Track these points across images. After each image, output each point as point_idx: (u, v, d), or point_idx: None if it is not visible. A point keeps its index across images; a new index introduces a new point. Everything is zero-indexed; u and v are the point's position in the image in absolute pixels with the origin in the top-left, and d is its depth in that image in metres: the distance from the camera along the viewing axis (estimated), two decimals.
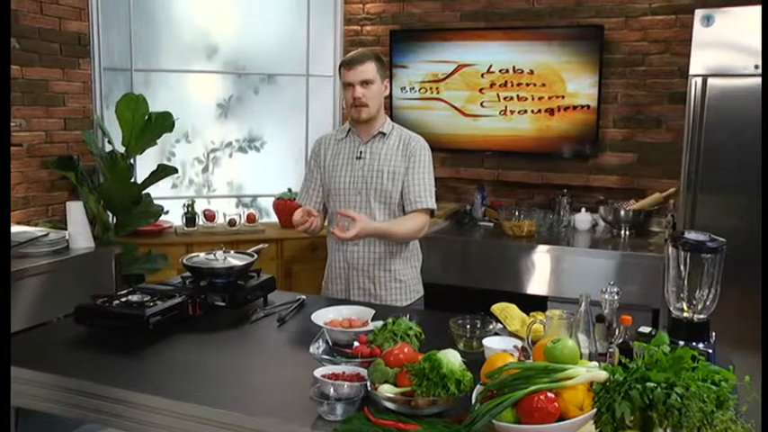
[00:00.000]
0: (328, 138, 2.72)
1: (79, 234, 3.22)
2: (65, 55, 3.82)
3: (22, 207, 3.64)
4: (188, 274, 2.38)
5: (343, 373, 1.63)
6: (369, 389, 1.52)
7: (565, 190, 4.04)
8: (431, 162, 2.62)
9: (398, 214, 2.58)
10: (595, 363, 1.38)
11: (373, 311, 2.06)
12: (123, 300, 2.11)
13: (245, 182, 4.58)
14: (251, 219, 4.25)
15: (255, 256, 2.43)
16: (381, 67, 2.58)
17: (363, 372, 1.61)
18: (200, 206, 4.28)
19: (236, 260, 2.38)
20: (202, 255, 2.40)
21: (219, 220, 4.21)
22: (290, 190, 4.31)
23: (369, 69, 2.52)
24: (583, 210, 3.96)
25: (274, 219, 4.38)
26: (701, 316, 1.67)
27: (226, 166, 4.50)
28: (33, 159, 3.68)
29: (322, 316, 2.04)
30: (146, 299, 2.12)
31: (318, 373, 1.61)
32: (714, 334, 1.76)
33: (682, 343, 1.66)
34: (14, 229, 3.23)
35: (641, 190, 3.94)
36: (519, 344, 1.81)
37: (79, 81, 3.92)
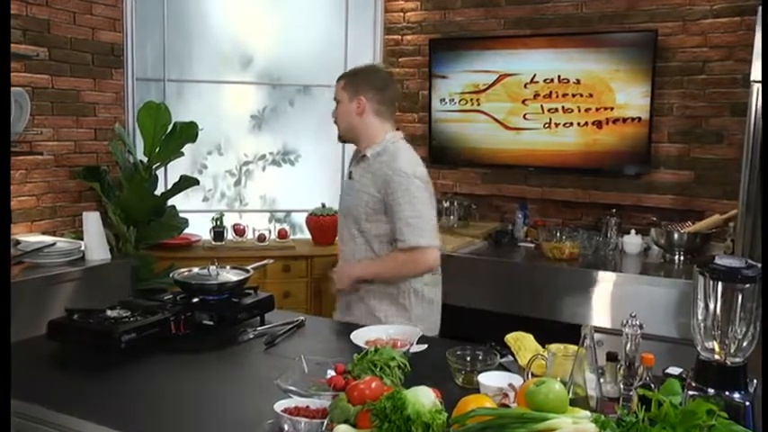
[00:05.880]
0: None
1: (95, 245, 3.15)
2: (97, 65, 3.79)
3: (48, 217, 3.61)
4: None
5: (307, 407, 1.44)
6: (323, 429, 1.31)
7: (613, 210, 3.71)
8: (416, 192, 2.29)
9: (378, 248, 2.37)
10: (587, 413, 1.12)
11: (420, 333, 1.92)
12: (101, 315, 1.98)
13: (278, 196, 4.45)
14: (282, 234, 4.12)
15: (251, 271, 2.26)
16: (350, 86, 2.43)
17: None
18: (231, 220, 4.17)
19: (230, 276, 2.22)
20: (195, 269, 2.25)
21: (249, 235, 4.10)
22: (323, 205, 4.15)
23: (336, 88, 2.47)
24: (632, 232, 3.60)
25: (308, 235, 4.22)
26: (736, 359, 1.38)
27: (259, 180, 4.38)
28: (62, 169, 3.65)
29: (363, 335, 1.90)
30: (124, 315, 1.97)
31: (279, 406, 1.42)
32: (756, 382, 1.46)
33: (711, 391, 1.37)
34: (32, 238, 3.19)
35: (699, 211, 3.57)
36: (519, 382, 1.56)
37: (111, 91, 3.88)
